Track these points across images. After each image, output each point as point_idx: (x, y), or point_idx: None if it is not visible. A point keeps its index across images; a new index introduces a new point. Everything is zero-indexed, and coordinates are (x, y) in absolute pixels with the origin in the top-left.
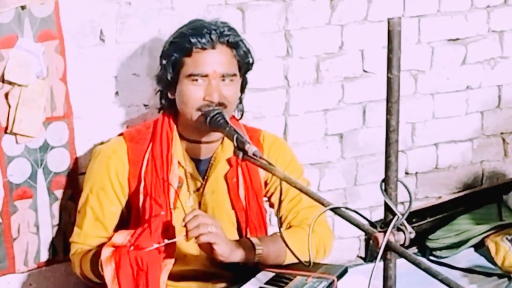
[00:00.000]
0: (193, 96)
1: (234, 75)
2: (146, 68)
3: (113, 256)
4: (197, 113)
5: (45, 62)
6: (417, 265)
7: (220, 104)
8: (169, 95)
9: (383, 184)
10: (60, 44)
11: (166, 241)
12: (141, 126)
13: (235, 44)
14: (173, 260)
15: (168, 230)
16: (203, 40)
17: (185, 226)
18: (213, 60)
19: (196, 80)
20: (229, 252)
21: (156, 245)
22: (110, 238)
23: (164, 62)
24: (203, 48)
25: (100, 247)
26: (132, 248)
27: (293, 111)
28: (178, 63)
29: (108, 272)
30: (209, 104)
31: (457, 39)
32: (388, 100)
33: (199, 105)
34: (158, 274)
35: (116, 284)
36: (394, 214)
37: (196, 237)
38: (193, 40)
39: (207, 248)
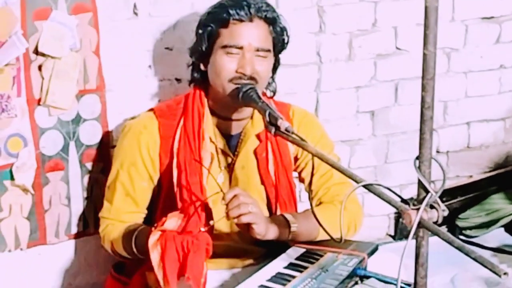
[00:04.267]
0: (226, 67)
1: (268, 50)
2: (179, 42)
3: (160, 241)
4: (229, 85)
5: (78, 35)
6: (450, 243)
7: (252, 78)
8: (202, 67)
9: (417, 161)
10: (94, 17)
11: (211, 222)
12: (172, 101)
13: (272, 20)
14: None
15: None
16: (242, 12)
17: (226, 205)
18: (249, 33)
19: (231, 52)
20: (265, 231)
21: (203, 229)
22: (156, 221)
23: (200, 32)
24: (241, 20)
25: (131, 224)
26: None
27: (324, 88)
28: (214, 34)
29: (154, 256)
30: (241, 77)
31: (492, 17)
32: (423, 76)
33: (231, 76)
34: (202, 257)
35: (162, 268)
36: (427, 192)
37: (237, 217)
38: (231, 11)
39: (244, 226)
